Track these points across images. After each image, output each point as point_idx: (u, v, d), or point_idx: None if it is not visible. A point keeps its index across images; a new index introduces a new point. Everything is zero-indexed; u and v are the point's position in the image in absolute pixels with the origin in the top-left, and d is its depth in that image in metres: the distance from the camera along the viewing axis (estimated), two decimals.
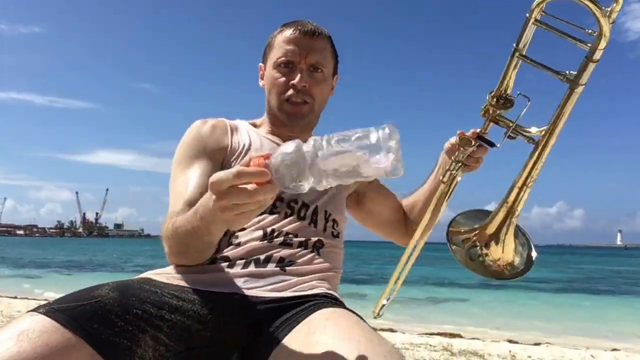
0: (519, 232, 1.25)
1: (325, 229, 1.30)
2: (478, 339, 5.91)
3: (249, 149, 1.33)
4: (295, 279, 1.16)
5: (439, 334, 6.15)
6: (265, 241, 1.20)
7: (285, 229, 1.22)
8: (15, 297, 7.56)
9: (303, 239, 1.23)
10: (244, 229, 1.21)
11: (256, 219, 1.22)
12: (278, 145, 1.36)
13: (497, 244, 1.22)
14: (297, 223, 1.24)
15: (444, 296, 13.01)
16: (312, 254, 1.23)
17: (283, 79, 1.32)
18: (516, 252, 1.24)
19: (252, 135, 1.37)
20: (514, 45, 1.14)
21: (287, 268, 1.17)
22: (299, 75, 1.31)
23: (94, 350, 0.90)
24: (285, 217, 1.25)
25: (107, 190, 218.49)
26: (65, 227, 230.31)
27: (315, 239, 1.25)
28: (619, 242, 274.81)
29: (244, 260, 1.16)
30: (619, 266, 34.48)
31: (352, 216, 1.55)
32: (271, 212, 1.24)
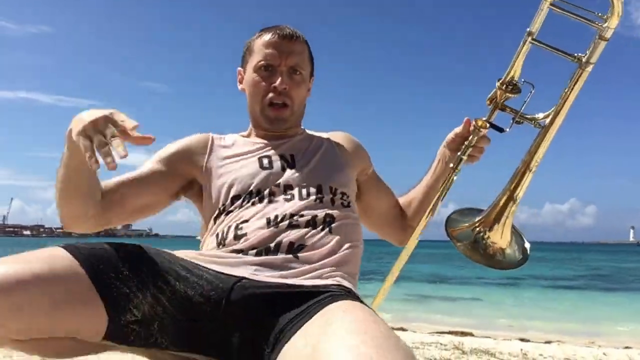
0: (514, 229, 1.30)
1: (333, 202, 1.28)
2: (489, 337, 5.91)
3: (231, 155, 1.37)
4: (307, 267, 1.15)
5: (449, 332, 6.14)
6: (271, 227, 1.20)
7: (288, 212, 1.22)
8: None
9: (309, 217, 1.22)
10: (247, 221, 1.22)
11: (256, 209, 1.24)
12: (266, 144, 1.38)
13: (497, 226, 1.26)
14: (300, 203, 1.24)
15: (455, 295, 12.98)
16: (323, 232, 1.21)
17: (264, 82, 1.36)
18: (510, 244, 1.29)
19: (238, 140, 1.42)
20: (528, 29, 1.18)
21: (299, 255, 1.17)
22: (279, 78, 1.34)
23: (93, 286, 0.99)
24: (287, 202, 1.25)
25: None
26: None
27: (323, 213, 1.23)
28: (631, 239, 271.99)
29: (255, 250, 1.18)
30: (631, 263, 34.17)
31: None
32: (270, 201, 1.25)
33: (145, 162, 1.39)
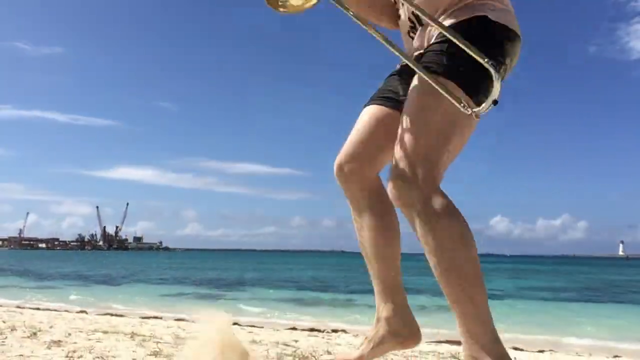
0: None
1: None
2: None
3: None
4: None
5: (446, 341, 6.29)
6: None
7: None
8: (38, 309, 7.67)
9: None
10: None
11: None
12: None
13: None
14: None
15: (447, 305, 13.10)
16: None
17: None
18: None
19: None
20: None
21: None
22: None
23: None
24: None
25: (128, 204, 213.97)
26: (86, 240, 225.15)
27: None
28: (620, 253, 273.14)
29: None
30: (620, 275, 34.50)
31: None
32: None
33: None
